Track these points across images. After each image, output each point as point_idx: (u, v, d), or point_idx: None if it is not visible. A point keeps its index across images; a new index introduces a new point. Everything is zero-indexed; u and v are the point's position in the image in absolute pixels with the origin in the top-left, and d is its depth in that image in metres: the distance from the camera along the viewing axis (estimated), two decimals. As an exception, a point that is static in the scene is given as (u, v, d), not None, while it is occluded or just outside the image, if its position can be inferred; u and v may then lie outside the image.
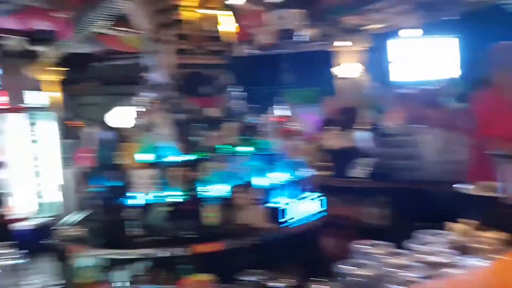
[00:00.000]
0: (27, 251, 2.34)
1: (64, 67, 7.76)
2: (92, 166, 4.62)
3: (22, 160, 7.15)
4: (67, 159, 7.15)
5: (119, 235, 3.49)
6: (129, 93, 4.85)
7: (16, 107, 7.20)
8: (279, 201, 3.80)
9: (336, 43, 7.25)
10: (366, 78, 7.25)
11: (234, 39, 4.62)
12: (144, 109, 4.18)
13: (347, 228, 4.74)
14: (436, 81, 6.22)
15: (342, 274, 1.86)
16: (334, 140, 5.77)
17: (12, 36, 6.80)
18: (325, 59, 7.48)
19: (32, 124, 7.35)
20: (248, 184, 3.76)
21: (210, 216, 3.54)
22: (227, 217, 3.59)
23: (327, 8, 6.13)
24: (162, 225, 3.50)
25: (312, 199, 4.07)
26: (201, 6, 4.25)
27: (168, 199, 3.57)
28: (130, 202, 3.57)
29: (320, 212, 4.09)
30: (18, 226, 6.07)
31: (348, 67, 7.35)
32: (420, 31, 6.70)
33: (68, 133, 7.56)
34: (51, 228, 4.51)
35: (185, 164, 3.70)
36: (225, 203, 3.60)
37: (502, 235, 2.00)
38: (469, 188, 2.59)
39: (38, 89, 7.67)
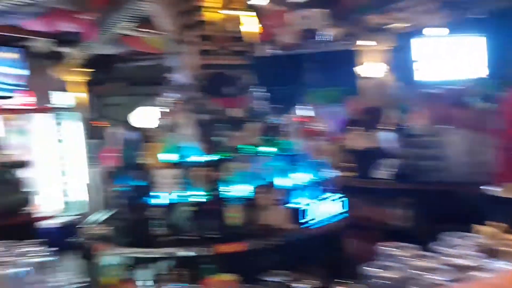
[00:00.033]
0: (55, 249, 2.37)
1: (89, 68, 7.90)
2: (117, 166, 4.69)
3: (48, 160, 7.28)
4: (92, 159, 7.25)
5: (143, 234, 3.52)
6: (153, 94, 4.89)
7: (42, 107, 7.33)
8: (300, 201, 3.78)
9: (359, 43, 7.20)
10: (390, 78, 7.18)
11: (257, 39, 4.62)
12: (167, 110, 4.21)
13: (370, 229, 4.70)
14: (462, 81, 6.13)
15: (367, 276, 1.85)
16: (358, 140, 5.72)
17: (38, 38, 6.95)
18: (349, 58, 7.43)
19: (58, 124, 7.48)
20: (270, 185, 3.75)
21: (233, 216, 3.55)
22: (249, 217, 3.59)
23: (351, 7, 6.09)
24: (185, 225, 3.52)
25: (333, 200, 4.03)
26: (224, 7, 4.27)
27: (192, 199, 3.58)
28: (154, 201, 3.61)
29: (342, 213, 4.05)
30: (44, 224, 6.18)
31: (372, 67, 7.29)
32: (445, 30, 6.61)
33: (93, 133, 7.67)
34: (77, 226, 4.59)
35: (208, 164, 3.71)
36: (248, 203, 3.60)
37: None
38: (496, 190, 2.54)
39: (64, 90, 7.82)
